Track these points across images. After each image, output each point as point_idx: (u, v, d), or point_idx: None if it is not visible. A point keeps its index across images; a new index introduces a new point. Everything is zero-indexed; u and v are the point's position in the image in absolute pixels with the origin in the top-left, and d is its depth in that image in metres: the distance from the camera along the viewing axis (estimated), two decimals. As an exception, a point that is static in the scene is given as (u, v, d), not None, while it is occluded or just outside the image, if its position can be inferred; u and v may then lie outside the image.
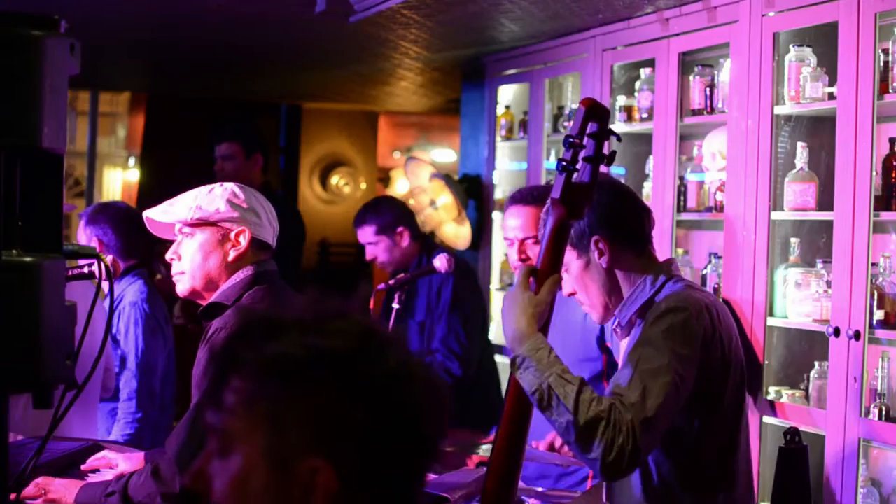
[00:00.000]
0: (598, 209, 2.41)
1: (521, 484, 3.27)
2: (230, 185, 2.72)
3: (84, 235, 3.97)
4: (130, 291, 3.97)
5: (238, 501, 1.18)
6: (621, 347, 2.49)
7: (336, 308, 1.24)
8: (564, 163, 2.21)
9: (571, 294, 2.50)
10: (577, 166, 2.23)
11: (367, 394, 1.18)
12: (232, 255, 2.67)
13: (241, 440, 1.19)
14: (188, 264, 2.71)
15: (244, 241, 2.67)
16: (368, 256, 4.70)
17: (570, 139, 2.20)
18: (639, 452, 2.14)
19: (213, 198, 2.69)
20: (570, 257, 2.44)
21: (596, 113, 2.20)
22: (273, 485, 1.17)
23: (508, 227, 3.49)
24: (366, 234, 4.66)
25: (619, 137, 2.29)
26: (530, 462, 3.27)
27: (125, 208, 4.17)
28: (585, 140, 2.21)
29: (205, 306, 2.69)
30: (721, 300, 3.73)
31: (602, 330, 3.27)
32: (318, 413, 1.16)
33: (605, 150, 2.24)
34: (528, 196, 3.46)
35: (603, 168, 2.31)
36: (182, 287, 2.72)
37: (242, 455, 1.18)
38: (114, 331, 3.93)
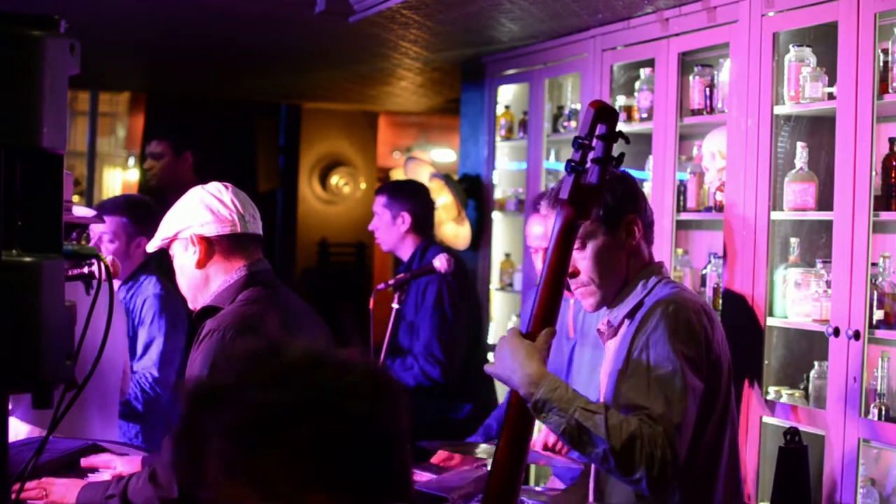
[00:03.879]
0: (633, 191, 2.44)
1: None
2: (189, 192, 2.73)
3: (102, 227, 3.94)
4: (150, 285, 3.99)
5: None
6: (608, 348, 2.48)
7: (269, 351, 1.27)
8: (573, 164, 2.21)
9: (573, 273, 2.42)
10: (586, 167, 2.23)
11: (331, 423, 1.22)
12: (195, 259, 2.67)
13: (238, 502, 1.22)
14: (180, 283, 2.75)
15: (197, 241, 2.66)
16: (370, 226, 4.77)
17: (579, 140, 2.20)
18: (678, 460, 2.15)
19: (167, 220, 2.72)
20: (594, 232, 2.41)
21: (605, 115, 2.20)
22: None
23: (532, 236, 3.47)
24: (377, 203, 4.74)
25: (627, 140, 2.29)
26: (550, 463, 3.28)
27: (138, 202, 4.12)
28: (594, 142, 2.21)
29: (199, 309, 2.70)
30: (719, 301, 3.74)
31: None
32: (296, 457, 1.21)
33: (614, 152, 2.25)
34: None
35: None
36: (191, 306, 2.75)
37: None
38: (136, 321, 3.94)
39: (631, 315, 2.38)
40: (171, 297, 3.97)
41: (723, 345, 2.37)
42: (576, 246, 2.39)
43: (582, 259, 2.43)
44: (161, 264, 4.21)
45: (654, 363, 2.22)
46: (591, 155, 2.22)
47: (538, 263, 3.45)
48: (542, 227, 3.40)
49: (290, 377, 1.24)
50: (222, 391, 1.24)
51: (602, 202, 2.37)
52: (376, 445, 1.25)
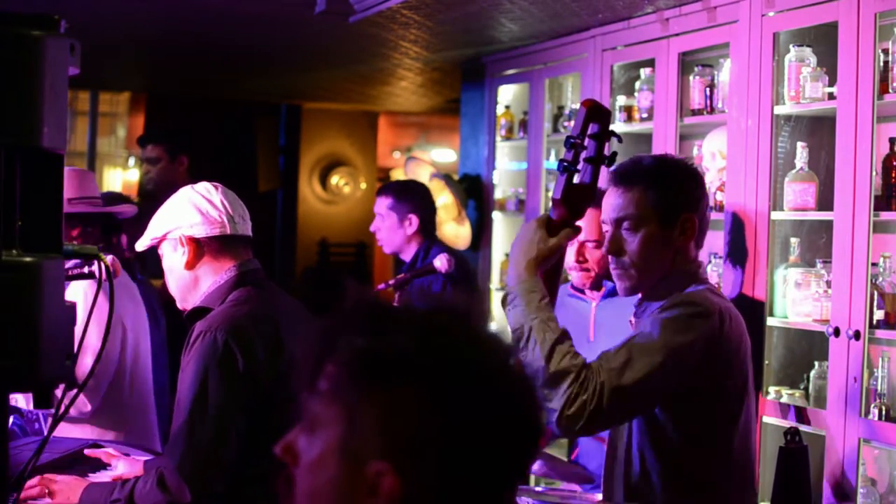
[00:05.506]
0: (696, 191, 2.41)
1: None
2: (178, 193, 2.73)
3: None
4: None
5: (310, 483, 1.19)
6: None
7: (445, 305, 1.21)
8: (566, 163, 2.21)
9: (614, 252, 2.40)
10: (579, 167, 2.23)
11: (448, 406, 1.14)
12: (184, 260, 2.65)
13: (324, 426, 1.18)
14: (169, 284, 2.74)
15: (186, 242, 2.65)
16: (372, 227, 4.69)
17: (572, 140, 2.20)
18: (600, 416, 2.14)
19: (156, 219, 2.71)
20: (646, 219, 2.38)
21: (597, 114, 2.20)
22: (341, 477, 1.16)
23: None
24: (380, 205, 4.65)
25: (620, 139, 2.29)
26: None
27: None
28: (587, 141, 2.21)
29: (189, 311, 2.68)
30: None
31: None
32: (393, 418, 1.14)
33: (607, 151, 2.24)
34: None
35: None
36: (180, 307, 2.74)
37: (322, 441, 1.18)
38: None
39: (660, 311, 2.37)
40: (143, 288, 3.99)
41: (739, 353, 2.33)
42: (625, 226, 2.38)
43: (631, 242, 2.39)
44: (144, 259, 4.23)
45: (639, 335, 2.24)
46: (583, 154, 2.22)
47: (570, 257, 3.34)
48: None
49: (438, 341, 1.16)
50: (372, 319, 1.19)
51: (661, 191, 2.36)
52: (477, 459, 1.14)
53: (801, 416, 3.42)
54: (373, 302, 1.22)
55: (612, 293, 3.34)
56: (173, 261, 2.68)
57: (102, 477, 2.74)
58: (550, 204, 2.26)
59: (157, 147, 5.47)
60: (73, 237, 3.34)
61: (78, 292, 3.13)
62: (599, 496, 2.90)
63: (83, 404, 3.13)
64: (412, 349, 1.15)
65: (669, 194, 2.38)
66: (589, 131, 2.21)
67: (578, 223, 2.30)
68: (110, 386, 3.21)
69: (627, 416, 2.25)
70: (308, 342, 1.23)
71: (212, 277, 2.66)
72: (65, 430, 3.15)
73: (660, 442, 2.31)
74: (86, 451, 2.82)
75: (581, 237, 3.30)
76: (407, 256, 4.65)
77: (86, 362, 3.11)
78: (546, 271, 2.24)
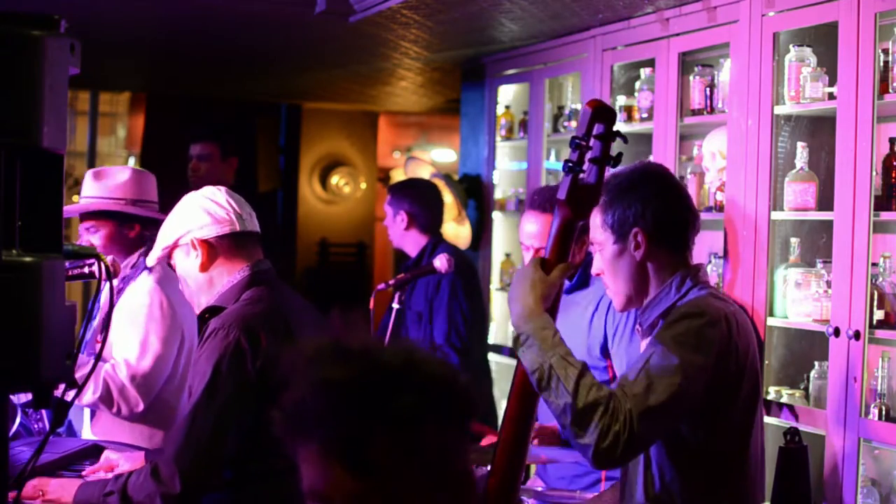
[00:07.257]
0: (645, 202, 2.41)
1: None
2: (183, 199, 2.76)
3: None
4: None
5: None
6: (642, 348, 2.48)
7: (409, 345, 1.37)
8: (571, 164, 2.21)
9: (597, 273, 2.49)
10: (584, 167, 2.23)
11: (433, 418, 1.33)
12: (198, 263, 2.69)
13: (409, 489, 1.28)
14: (185, 288, 2.77)
15: (198, 245, 2.68)
16: (385, 222, 4.96)
17: (577, 140, 2.20)
18: (634, 443, 2.14)
19: (164, 229, 2.75)
20: (606, 239, 2.43)
21: (602, 114, 2.20)
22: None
23: (525, 233, 3.45)
24: (386, 200, 4.94)
25: (625, 139, 2.28)
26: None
27: None
28: (592, 141, 2.21)
29: (204, 309, 2.71)
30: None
31: (606, 337, 3.26)
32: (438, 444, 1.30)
33: (612, 152, 2.24)
34: (549, 202, 3.36)
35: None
36: (195, 308, 2.77)
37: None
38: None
39: (664, 316, 2.37)
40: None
41: (748, 357, 2.33)
42: (597, 250, 2.44)
43: (602, 262, 2.45)
44: None
45: (654, 355, 2.23)
46: (588, 155, 2.22)
47: (528, 260, 3.42)
48: (535, 226, 3.39)
49: (429, 370, 1.32)
50: (393, 377, 1.30)
51: (613, 211, 2.39)
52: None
53: (801, 416, 3.42)
54: (369, 367, 1.32)
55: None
56: (187, 265, 2.72)
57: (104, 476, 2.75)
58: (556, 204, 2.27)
59: (209, 144, 5.33)
60: (131, 237, 3.36)
61: (143, 292, 3.22)
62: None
63: (136, 404, 3.15)
64: (421, 409, 1.30)
65: (612, 214, 2.42)
66: (594, 132, 2.21)
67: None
68: (162, 387, 3.22)
69: (658, 436, 2.25)
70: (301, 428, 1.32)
71: (226, 277, 2.71)
72: (114, 430, 3.16)
73: (678, 452, 2.31)
74: (83, 473, 2.83)
75: (535, 244, 3.36)
76: (411, 252, 4.86)
77: (145, 364, 3.15)
78: (546, 309, 2.25)
